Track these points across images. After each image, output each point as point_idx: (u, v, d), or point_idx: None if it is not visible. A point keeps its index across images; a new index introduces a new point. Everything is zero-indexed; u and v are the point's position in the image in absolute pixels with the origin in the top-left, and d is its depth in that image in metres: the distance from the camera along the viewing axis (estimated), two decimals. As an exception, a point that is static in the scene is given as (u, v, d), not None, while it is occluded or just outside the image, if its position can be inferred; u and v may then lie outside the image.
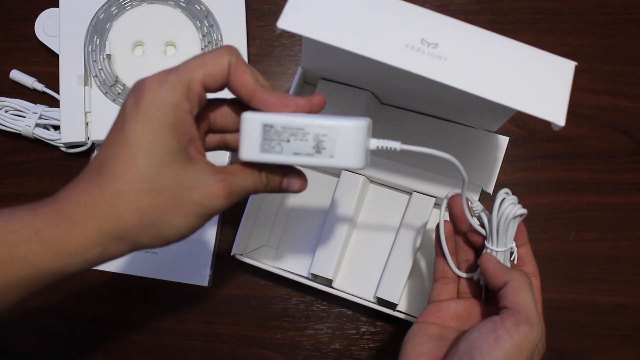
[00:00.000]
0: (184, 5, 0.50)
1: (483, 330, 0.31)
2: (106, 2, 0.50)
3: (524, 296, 0.31)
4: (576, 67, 0.33)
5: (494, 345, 0.30)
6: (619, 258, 0.49)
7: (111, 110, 0.48)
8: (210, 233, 0.49)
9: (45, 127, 0.49)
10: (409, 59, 0.31)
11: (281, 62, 0.52)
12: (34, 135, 0.49)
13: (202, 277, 0.48)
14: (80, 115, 0.48)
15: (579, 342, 0.48)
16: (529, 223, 0.49)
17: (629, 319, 0.48)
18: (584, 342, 0.48)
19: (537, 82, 0.32)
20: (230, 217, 0.49)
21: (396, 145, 0.30)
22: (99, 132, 0.48)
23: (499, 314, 0.31)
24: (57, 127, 0.49)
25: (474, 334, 0.31)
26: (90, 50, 0.49)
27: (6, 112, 0.49)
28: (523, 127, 0.50)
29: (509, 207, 0.34)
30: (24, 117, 0.49)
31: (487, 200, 0.48)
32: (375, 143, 0.30)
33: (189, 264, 0.49)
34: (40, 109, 0.49)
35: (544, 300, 0.48)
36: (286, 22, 0.32)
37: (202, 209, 0.28)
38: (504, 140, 0.45)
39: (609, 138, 0.50)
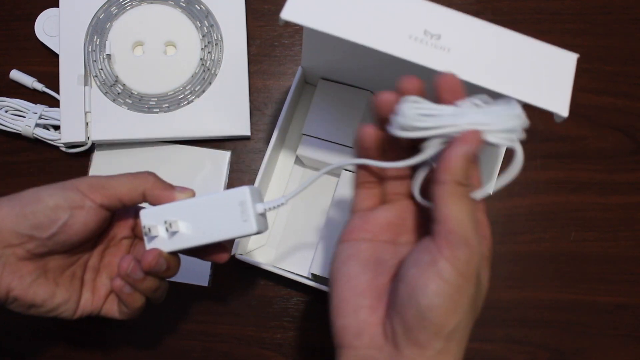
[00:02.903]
0: (184, 5, 0.50)
1: (422, 265, 0.26)
2: (106, 2, 0.50)
3: (459, 208, 0.26)
4: (576, 67, 0.33)
5: (439, 281, 0.25)
6: (619, 258, 0.49)
7: (111, 110, 0.48)
8: (210, 233, 0.49)
9: (45, 127, 0.49)
10: (411, 49, 0.31)
11: (281, 62, 0.52)
12: (34, 135, 0.49)
13: (202, 277, 0.48)
14: (80, 115, 0.48)
15: (579, 342, 0.48)
16: (529, 223, 0.49)
17: (629, 319, 0.48)
18: (584, 342, 0.48)
19: (539, 74, 0.32)
20: (230, 217, 0.49)
21: (282, 200, 0.33)
22: (99, 132, 0.48)
23: (432, 235, 0.27)
24: (57, 127, 0.49)
25: (411, 271, 0.27)
26: (90, 50, 0.49)
27: (6, 112, 0.49)
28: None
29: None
30: (24, 117, 0.49)
31: (487, 200, 0.48)
32: (262, 207, 0.32)
33: (189, 264, 0.48)
34: (40, 109, 0.49)
35: (544, 300, 0.48)
36: (289, 13, 0.32)
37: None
38: (504, 140, 0.45)
39: (609, 138, 0.50)
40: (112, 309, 0.37)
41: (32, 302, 0.33)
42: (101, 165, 0.50)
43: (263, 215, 0.33)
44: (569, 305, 0.48)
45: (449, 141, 0.27)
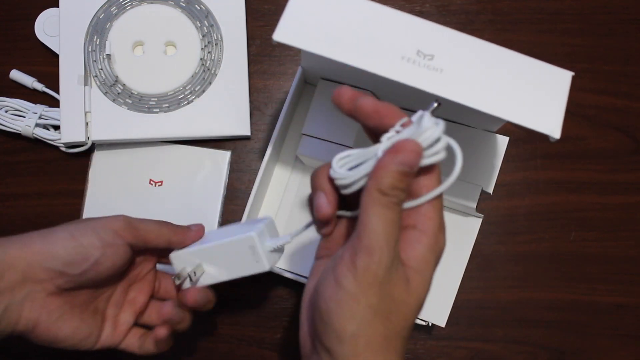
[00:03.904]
0: (183, 5, 0.50)
1: (326, 270, 0.27)
2: (106, 2, 0.50)
3: (371, 215, 0.26)
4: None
5: (334, 286, 0.26)
6: (619, 258, 0.49)
7: (111, 110, 0.48)
8: (210, 233, 0.49)
9: (45, 127, 0.49)
10: (404, 71, 0.31)
11: (281, 62, 0.52)
12: (34, 135, 0.48)
13: (202, 277, 0.49)
14: (80, 115, 0.48)
15: (579, 342, 0.48)
16: (529, 223, 0.49)
17: (629, 319, 0.48)
18: (584, 342, 0.48)
19: (533, 94, 0.32)
20: (231, 217, 0.49)
21: (287, 239, 0.35)
22: (99, 132, 0.48)
23: (348, 242, 0.27)
24: (57, 127, 0.49)
25: (320, 279, 0.28)
26: (90, 50, 0.49)
27: (6, 112, 0.49)
28: (523, 127, 0.50)
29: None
30: (24, 117, 0.49)
31: (487, 200, 0.49)
32: (271, 246, 0.35)
33: (189, 264, 0.49)
34: (40, 109, 0.49)
35: (544, 300, 0.48)
36: (282, 34, 0.32)
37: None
38: (504, 140, 0.45)
39: (609, 138, 0.50)
40: (132, 344, 0.39)
41: (54, 338, 0.34)
42: (101, 165, 0.50)
43: (275, 250, 0.35)
44: (569, 305, 0.48)
45: None
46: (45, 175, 0.50)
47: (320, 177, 0.30)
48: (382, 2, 0.33)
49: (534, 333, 0.48)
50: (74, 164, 0.50)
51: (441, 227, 0.28)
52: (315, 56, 0.32)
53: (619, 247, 0.49)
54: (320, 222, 0.31)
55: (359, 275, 0.25)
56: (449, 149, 0.27)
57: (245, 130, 0.50)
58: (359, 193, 0.28)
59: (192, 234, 0.38)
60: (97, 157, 0.50)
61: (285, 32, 0.32)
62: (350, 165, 0.29)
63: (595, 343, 0.48)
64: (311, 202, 0.31)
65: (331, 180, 0.29)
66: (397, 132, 0.28)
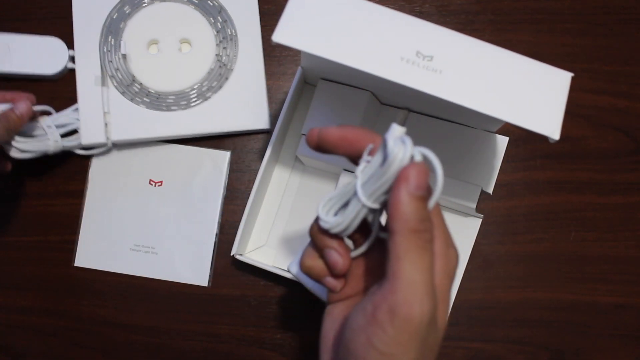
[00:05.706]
0: (196, 1, 0.50)
1: (355, 327, 0.25)
2: (119, 2, 0.50)
3: (406, 264, 0.23)
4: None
5: (368, 347, 0.24)
6: (619, 258, 0.49)
7: (130, 110, 0.48)
8: (210, 233, 0.49)
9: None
10: (404, 72, 0.31)
11: (281, 62, 0.52)
12: (64, 147, 0.47)
13: (202, 277, 0.49)
14: (99, 116, 0.48)
15: (579, 342, 0.48)
16: (529, 223, 0.49)
17: (629, 319, 0.48)
18: (584, 342, 0.48)
19: (532, 95, 0.32)
20: (231, 217, 0.49)
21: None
22: (119, 132, 0.48)
23: (377, 290, 0.25)
24: (64, 135, 0.48)
25: (347, 334, 0.26)
26: (105, 50, 0.49)
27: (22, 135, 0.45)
28: (522, 128, 0.50)
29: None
30: (36, 136, 0.46)
31: (487, 200, 0.49)
32: None
33: (189, 264, 0.49)
34: (50, 119, 0.47)
35: (544, 300, 0.48)
36: (281, 35, 0.32)
37: None
38: (503, 140, 0.45)
39: (609, 138, 0.50)
40: None
41: None
42: (101, 165, 0.50)
43: None
44: (569, 305, 0.48)
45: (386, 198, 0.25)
46: (45, 175, 0.50)
47: (320, 235, 0.28)
48: (381, 3, 0.34)
49: (534, 333, 0.48)
50: (73, 164, 0.50)
51: (448, 243, 0.27)
52: (315, 57, 0.32)
53: (619, 247, 0.49)
54: (337, 277, 0.29)
55: (398, 335, 0.23)
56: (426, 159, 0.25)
57: (265, 124, 0.50)
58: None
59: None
60: (97, 157, 0.50)
61: (284, 33, 0.32)
62: (336, 209, 0.28)
63: (595, 343, 0.48)
64: (309, 263, 0.30)
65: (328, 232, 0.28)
66: (368, 161, 0.26)
